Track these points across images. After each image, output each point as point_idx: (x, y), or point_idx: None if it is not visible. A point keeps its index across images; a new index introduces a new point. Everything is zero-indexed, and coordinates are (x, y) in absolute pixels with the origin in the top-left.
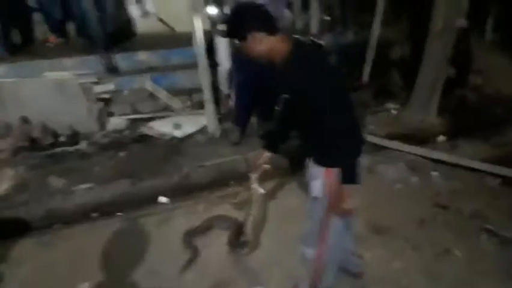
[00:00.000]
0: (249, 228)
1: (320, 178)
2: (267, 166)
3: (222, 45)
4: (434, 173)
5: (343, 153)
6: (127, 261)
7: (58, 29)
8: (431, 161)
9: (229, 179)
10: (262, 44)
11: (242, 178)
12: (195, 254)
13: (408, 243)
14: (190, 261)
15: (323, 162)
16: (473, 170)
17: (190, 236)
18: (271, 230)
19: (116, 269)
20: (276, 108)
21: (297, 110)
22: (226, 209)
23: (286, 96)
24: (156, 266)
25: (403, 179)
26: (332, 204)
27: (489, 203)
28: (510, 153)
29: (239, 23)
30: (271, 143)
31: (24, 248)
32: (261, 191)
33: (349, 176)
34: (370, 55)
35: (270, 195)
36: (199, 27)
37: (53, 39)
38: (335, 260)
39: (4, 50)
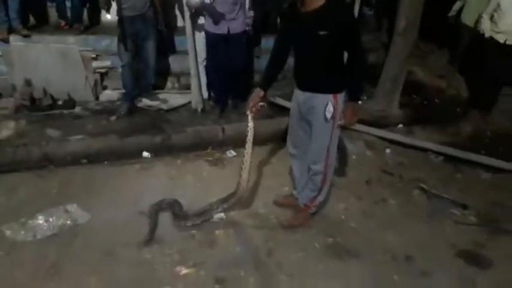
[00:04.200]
0: (245, 167)
1: (330, 104)
2: (262, 104)
3: (201, 41)
4: (387, 150)
5: (364, 74)
6: (110, 192)
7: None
8: (388, 142)
9: (207, 144)
10: None
11: (219, 145)
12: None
13: (353, 193)
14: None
15: (333, 89)
16: (422, 150)
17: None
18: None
19: (101, 196)
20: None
21: (329, 44)
22: (200, 164)
23: (324, 33)
24: (137, 196)
25: (359, 152)
26: (348, 119)
27: (429, 173)
28: (459, 141)
29: None
30: (266, 81)
31: (19, 178)
32: (251, 124)
33: (361, 94)
34: None
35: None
36: (188, 21)
37: (64, 25)
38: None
39: (19, 23)
